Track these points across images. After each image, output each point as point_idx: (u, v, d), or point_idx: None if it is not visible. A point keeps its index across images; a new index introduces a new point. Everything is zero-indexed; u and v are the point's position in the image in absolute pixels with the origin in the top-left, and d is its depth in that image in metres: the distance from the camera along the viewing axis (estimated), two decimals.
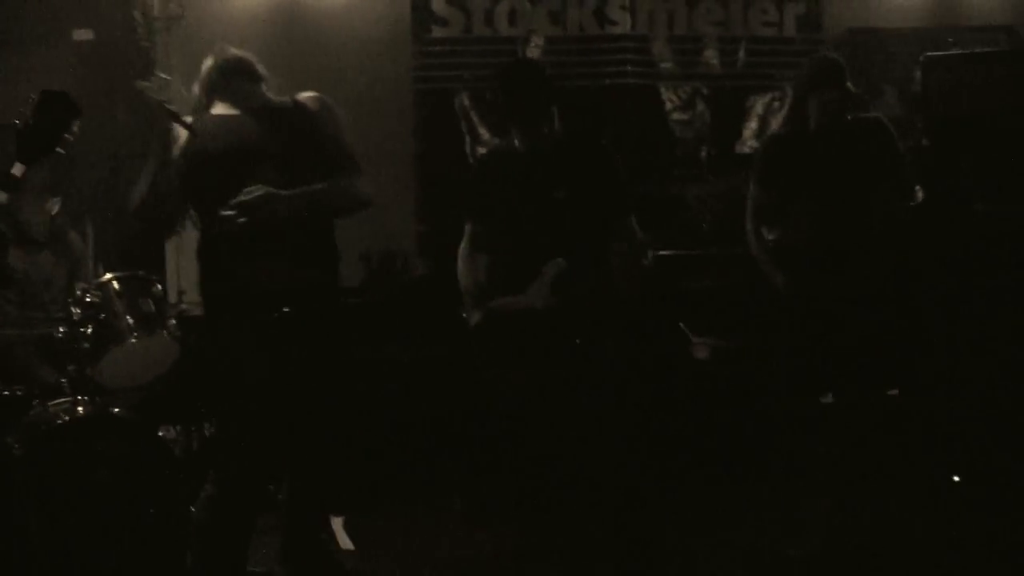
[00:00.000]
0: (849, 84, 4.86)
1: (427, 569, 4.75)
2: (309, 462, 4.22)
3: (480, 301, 4.51)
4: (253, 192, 3.74)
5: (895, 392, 5.66)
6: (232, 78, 4.06)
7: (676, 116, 6.82)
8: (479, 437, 5.21)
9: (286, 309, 3.85)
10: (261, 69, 4.11)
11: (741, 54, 6.80)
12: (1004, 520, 4.98)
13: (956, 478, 5.37)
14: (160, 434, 4.56)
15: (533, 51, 6.58)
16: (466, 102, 6.58)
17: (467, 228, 4.65)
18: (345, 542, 4.78)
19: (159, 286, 4.82)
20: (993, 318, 5.40)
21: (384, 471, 5.52)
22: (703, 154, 6.83)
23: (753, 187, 5.00)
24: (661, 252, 5.85)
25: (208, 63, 4.05)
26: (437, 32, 6.53)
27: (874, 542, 4.83)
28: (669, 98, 6.80)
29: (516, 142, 4.43)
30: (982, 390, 5.43)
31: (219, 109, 4.04)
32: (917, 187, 5.19)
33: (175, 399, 4.99)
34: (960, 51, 6.22)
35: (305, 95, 4.07)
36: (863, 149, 4.86)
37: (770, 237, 4.97)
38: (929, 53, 5.92)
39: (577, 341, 4.33)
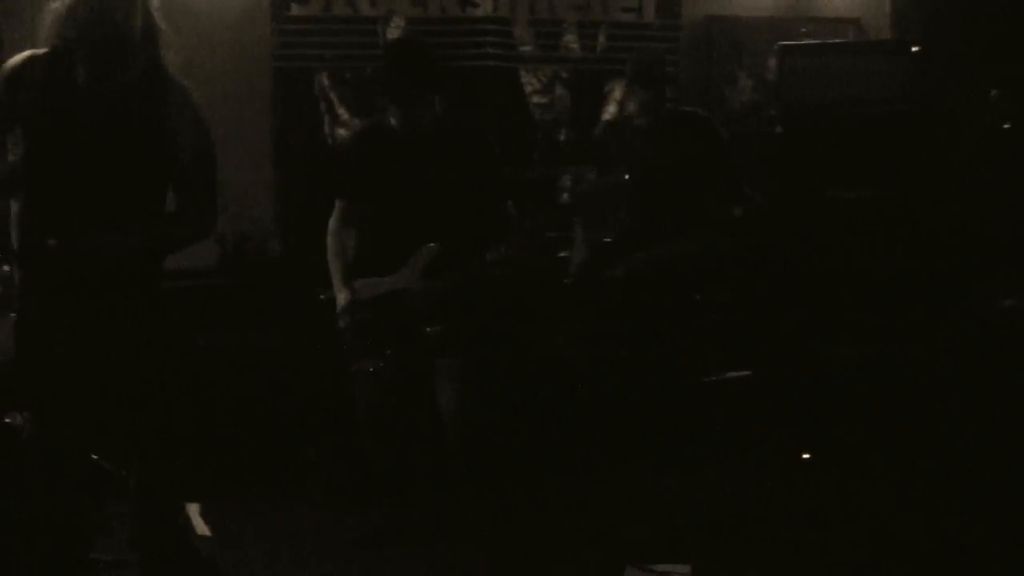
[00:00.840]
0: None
1: (286, 555, 4.69)
2: (150, 449, 4.11)
3: (347, 280, 4.48)
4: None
5: (746, 373, 5.79)
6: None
7: (536, 99, 6.83)
8: (340, 422, 5.17)
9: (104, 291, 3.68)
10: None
11: (601, 39, 6.84)
12: (851, 495, 5.13)
13: (806, 455, 5.52)
14: (7, 420, 4.41)
15: (393, 31, 6.52)
16: (325, 82, 6.50)
17: (337, 204, 4.60)
18: (201, 528, 4.69)
19: (6, 267, 4.65)
20: (845, 300, 5.55)
21: (242, 457, 5.43)
22: (561, 138, 6.86)
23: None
24: None
25: None
26: (296, 10, 6.42)
27: (729, 518, 4.94)
28: (529, 81, 6.81)
29: (393, 120, 4.40)
30: (831, 370, 5.58)
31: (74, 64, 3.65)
32: (745, 188, 5.31)
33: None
34: (813, 41, 6.37)
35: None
36: (683, 143, 4.95)
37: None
38: (783, 42, 6.05)
39: (438, 328, 4.33)
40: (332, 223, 4.61)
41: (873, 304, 5.51)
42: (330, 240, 4.59)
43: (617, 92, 6.90)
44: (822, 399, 5.59)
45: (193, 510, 4.75)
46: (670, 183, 5.10)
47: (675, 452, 5.26)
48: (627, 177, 5.24)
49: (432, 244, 4.31)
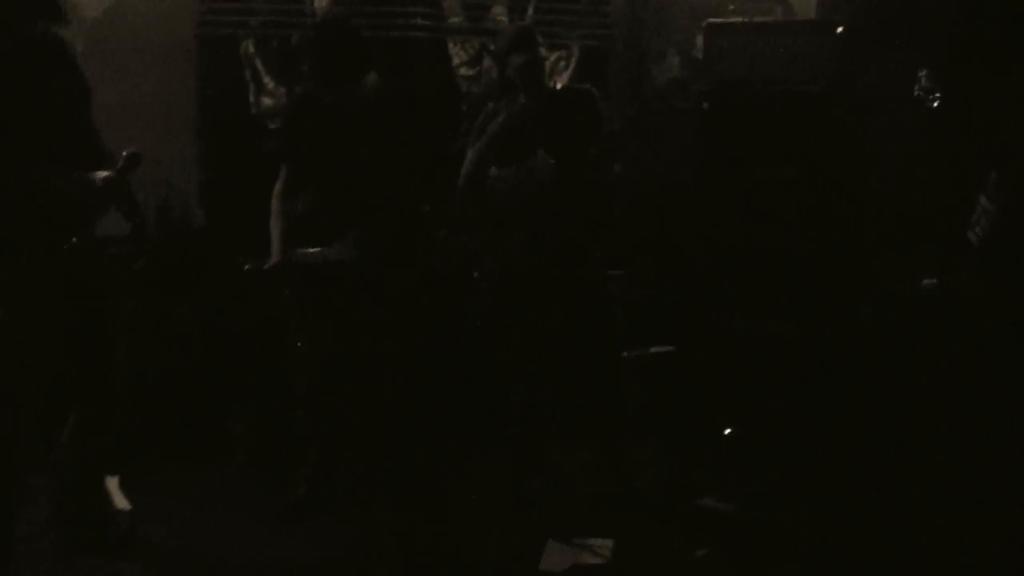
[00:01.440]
0: (541, 50, 4.94)
1: (206, 528, 4.67)
2: (84, 418, 4.09)
3: (284, 244, 4.45)
4: None
5: (670, 348, 5.84)
6: None
7: (463, 71, 6.81)
8: (263, 393, 5.14)
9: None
10: None
11: (529, 12, 6.83)
12: (775, 470, 5.21)
13: (728, 431, 5.59)
14: None
15: (322, 0, 6.46)
16: (251, 50, 6.41)
17: (282, 170, 4.57)
18: (121, 502, 4.65)
19: None
20: (768, 278, 5.61)
21: (162, 428, 5.38)
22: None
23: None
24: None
25: None
26: None
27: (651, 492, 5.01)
28: (457, 53, 6.78)
29: (328, 95, 4.37)
30: (755, 347, 5.64)
31: None
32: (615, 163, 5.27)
33: None
34: (740, 19, 6.41)
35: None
36: (565, 116, 4.89)
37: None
38: (711, 20, 6.07)
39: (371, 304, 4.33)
40: (276, 187, 4.58)
41: (795, 282, 5.57)
42: (273, 204, 4.56)
43: (545, 65, 6.90)
44: (745, 376, 5.66)
45: (112, 483, 4.71)
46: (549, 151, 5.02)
47: (597, 427, 5.28)
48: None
49: (371, 219, 4.31)
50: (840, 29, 5.66)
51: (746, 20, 6.30)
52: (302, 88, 5.36)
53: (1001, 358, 4.36)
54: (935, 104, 4.65)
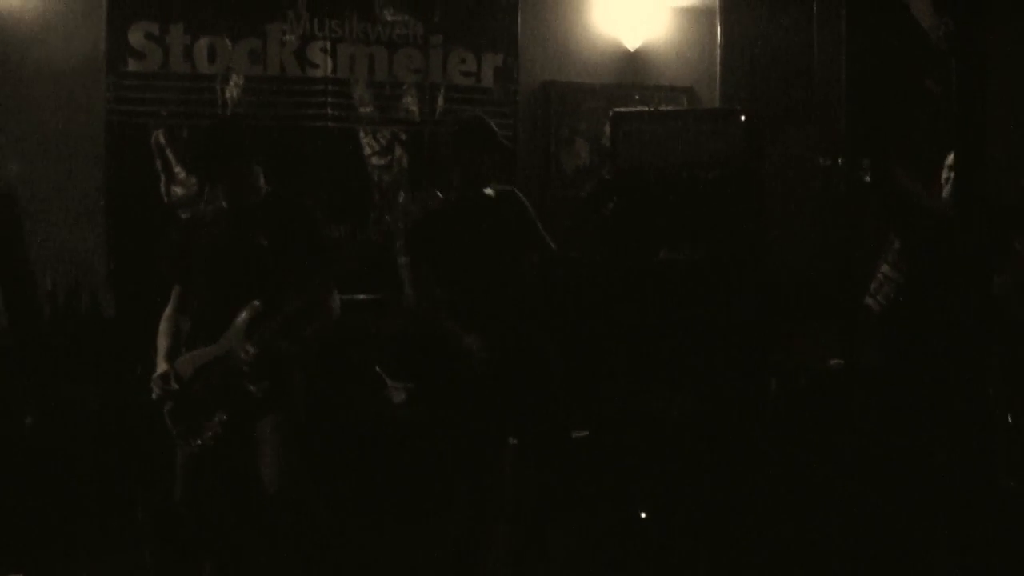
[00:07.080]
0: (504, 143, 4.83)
1: None
2: None
3: (169, 355, 4.37)
4: None
5: (584, 433, 5.85)
6: None
7: (374, 160, 6.86)
8: (169, 482, 5.06)
9: None
10: None
11: (440, 101, 6.93)
12: (687, 556, 5.23)
13: (643, 515, 5.60)
14: None
15: (232, 90, 6.49)
16: (161, 139, 6.42)
17: (175, 291, 4.52)
18: None
19: None
20: (678, 359, 5.68)
21: (69, 518, 5.28)
22: (400, 199, 6.90)
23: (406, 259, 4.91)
24: (357, 296, 5.83)
25: None
26: (133, 65, 6.35)
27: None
28: (368, 143, 6.84)
29: (220, 199, 4.36)
30: (667, 429, 5.69)
31: None
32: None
33: None
34: (645, 108, 6.56)
35: None
36: (502, 218, 4.80)
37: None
38: (617, 109, 6.21)
39: (264, 383, 4.27)
40: (168, 309, 4.52)
41: (704, 363, 5.65)
42: (163, 324, 4.49)
43: None
44: (657, 457, 5.69)
45: None
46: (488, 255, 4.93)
47: (508, 509, 5.27)
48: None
49: (254, 302, 4.25)
50: (743, 117, 5.82)
51: (650, 109, 6.45)
52: (181, 221, 5.33)
53: (902, 427, 4.45)
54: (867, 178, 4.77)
